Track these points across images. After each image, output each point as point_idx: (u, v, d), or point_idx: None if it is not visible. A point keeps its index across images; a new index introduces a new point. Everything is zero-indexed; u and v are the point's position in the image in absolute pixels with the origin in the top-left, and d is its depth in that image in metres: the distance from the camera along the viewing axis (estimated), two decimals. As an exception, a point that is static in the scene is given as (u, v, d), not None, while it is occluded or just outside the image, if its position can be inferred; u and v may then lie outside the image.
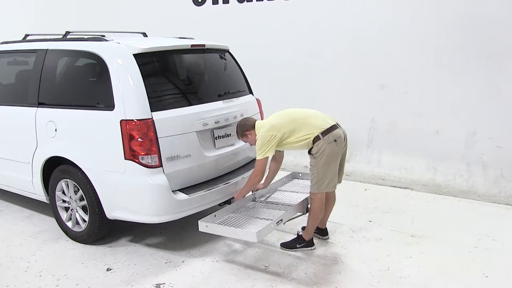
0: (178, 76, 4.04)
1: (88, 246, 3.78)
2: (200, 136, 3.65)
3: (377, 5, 5.49)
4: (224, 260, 3.53)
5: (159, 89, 3.61)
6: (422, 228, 4.06)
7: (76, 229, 3.87)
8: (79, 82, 3.87)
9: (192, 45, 3.94)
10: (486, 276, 3.25)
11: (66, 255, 3.67)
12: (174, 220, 3.51)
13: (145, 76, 3.40)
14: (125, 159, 3.34)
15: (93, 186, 3.56)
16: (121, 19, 7.52)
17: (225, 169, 4.00)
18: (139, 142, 3.30)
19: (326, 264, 3.45)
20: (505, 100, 4.90)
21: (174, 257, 3.58)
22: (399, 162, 5.51)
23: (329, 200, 3.63)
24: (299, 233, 3.69)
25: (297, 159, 5.83)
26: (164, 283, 3.21)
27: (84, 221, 3.77)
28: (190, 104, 3.68)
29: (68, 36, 4.10)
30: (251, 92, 4.51)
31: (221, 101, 3.94)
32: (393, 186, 5.28)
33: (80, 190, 3.69)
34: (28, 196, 4.28)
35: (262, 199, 3.99)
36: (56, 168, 3.85)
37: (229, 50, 4.42)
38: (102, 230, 3.74)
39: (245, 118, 3.86)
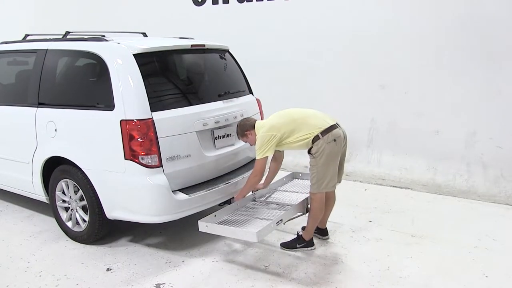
0: (178, 76, 4.04)
1: (88, 246, 3.78)
2: (200, 136, 3.65)
3: (377, 5, 5.49)
4: (224, 260, 3.53)
5: (159, 89, 3.61)
6: (422, 228, 4.06)
7: (76, 229, 3.87)
8: (79, 82, 3.87)
9: (192, 45, 3.94)
10: (486, 276, 3.25)
11: (66, 255, 3.67)
12: (174, 220, 3.51)
13: (145, 76, 3.40)
14: (125, 159, 3.35)
15: (93, 186, 3.56)
16: (121, 19, 7.52)
17: (225, 169, 4.00)
18: (139, 142, 3.31)
19: (326, 264, 3.45)
20: (505, 100, 4.90)
21: (174, 257, 3.58)
22: (399, 162, 5.51)
23: (329, 200, 3.63)
24: (299, 233, 3.69)
25: (297, 159, 5.83)
26: (164, 283, 3.21)
27: (84, 221, 3.78)
28: (190, 104, 3.68)
29: (68, 36, 4.10)
30: (251, 92, 4.51)
31: (221, 101, 3.94)
32: (393, 186, 5.28)
33: (80, 190, 3.70)
34: (28, 196, 4.28)
35: (262, 199, 3.99)
36: (56, 168, 3.85)
37: (229, 50, 4.42)
38: (102, 230, 3.74)
39: (245, 118, 3.87)
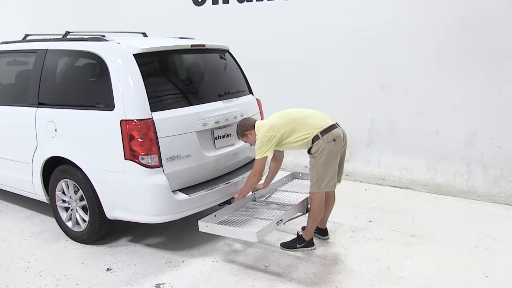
0: (178, 76, 4.04)
1: (88, 246, 3.78)
2: (200, 136, 3.65)
3: (377, 5, 5.49)
4: (224, 260, 3.53)
5: (159, 89, 3.61)
6: (422, 228, 4.06)
7: (76, 229, 3.87)
8: (79, 82, 3.87)
9: (192, 45, 3.94)
10: (486, 276, 3.25)
11: (66, 255, 3.67)
12: (174, 220, 3.51)
13: (145, 76, 3.40)
14: (125, 159, 3.34)
15: (93, 186, 3.56)
16: (121, 19, 7.52)
17: (225, 169, 4.00)
18: (139, 142, 3.31)
19: (326, 264, 3.45)
20: (505, 100, 4.90)
21: (174, 257, 3.58)
22: (399, 162, 5.51)
23: (328, 200, 3.63)
24: (299, 233, 3.69)
25: (297, 159, 5.83)
26: (164, 283, 3.21)
27: (84, 221, 3.78)
28: (190, 104, 3.68)
29: (68, 36, 4.10)
30: (251, 92, 4.51)
31: (221, 101, 3.94)
32: (393, 186, 5.28)
33: (80, 190, 3.70)
34: (28, 196, 4.28)
35: (262, 199, 3.99)
36: (56, 168, 3.85)
37: (229, 50, 4.42)
38: (102, 230, 3.74)
39: (245, 118, 3.87)
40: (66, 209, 3.94)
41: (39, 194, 4.09)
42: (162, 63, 3.81)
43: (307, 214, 3.66)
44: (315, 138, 3.37)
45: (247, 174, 3.95)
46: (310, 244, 3.64)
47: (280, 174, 4.20)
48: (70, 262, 3.54)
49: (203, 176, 3.77)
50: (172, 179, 3.43)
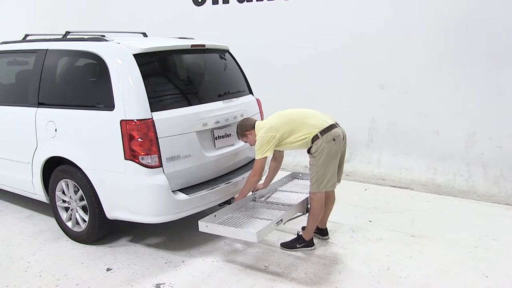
0: (178, 76, 4.04)
1: (88, 246, 3.78)
2: (200, 136, 3.65)
3: (377, 5, 5.49)
4: (224, 260, 3.53)
5: (159, 89, 3.61)
6: (422, 228, 4.06)
7: (76, 229, 3.87)
8: (79, 82, 3.87)
9: (192, 45, 3.94)
10: (486, 276, 3.25)
11: (66, 255, 3.67)
12: (174, 220, 3.51)
13: (145, 76, 3.40)
14: (125, 159, 3.34)
15: (93, 186, 3.56)
16: (121, 19, 7.53)
17: (225, 169, 4.00)
18: (139, 142, 3.31)
19: (326, 264, 3.45)
20: (505, 100, 4.91)
21: (174, 257, 3.59)
22: (399, 162, 5.51)
23: (328, 199, 3.63)
24: (299, 233, 3.69)
25: (297, 159, 5.83)
26: (164, 283, 3.21)
27: (84, 221, 3.78)
28: (190, 104, 3.68)
29: (68, 36, 4.10)
30: (251, 92, 4.51)
31: (221, 101, 3.94)
32: (393, 186, 5.28)
33: (80, 190, 3.70)
34: (28, 196, 4.28)
35: (262, 199, 3.99)
36: (56, 168, 3.85)
37: (229, 50, 4.42)
38: (102, 230, 3.74)
39: (245, 118, 3.87)
40: (66, 209, 3.94)
41: (39, 194, 4.09)
42: (162, 63, 3.81)
43: (307, 214, 3.66)
44: (315, 138, 3.37)
45: (247, 174, 3.95)
46: (310, 244, 3.64)
47: (280, 174, 4.20)
48: (70, 262, 3.54)
49: (203, 176, 3.77)
50: (172, 179, 3.43)
